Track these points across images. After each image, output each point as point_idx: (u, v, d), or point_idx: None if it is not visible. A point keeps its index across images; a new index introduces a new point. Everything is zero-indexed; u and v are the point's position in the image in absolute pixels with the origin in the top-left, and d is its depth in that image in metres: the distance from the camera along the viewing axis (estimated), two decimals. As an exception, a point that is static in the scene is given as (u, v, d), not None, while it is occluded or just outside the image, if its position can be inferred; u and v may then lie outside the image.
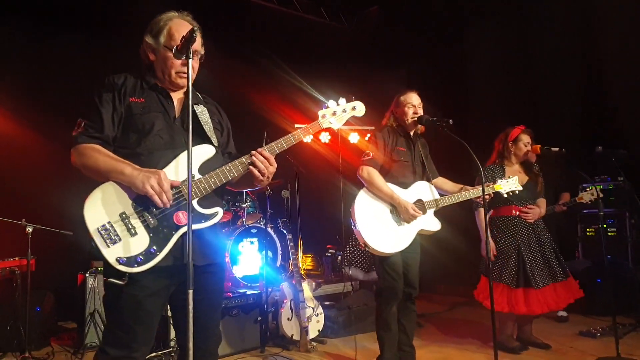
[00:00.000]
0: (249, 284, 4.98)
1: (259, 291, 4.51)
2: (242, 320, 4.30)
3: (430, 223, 3.33)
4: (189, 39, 1.78)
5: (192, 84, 1.86)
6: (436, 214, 3.39)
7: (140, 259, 1.81)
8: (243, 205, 5.48)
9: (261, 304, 4.41)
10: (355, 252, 5.77)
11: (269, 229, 5.34)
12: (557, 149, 3.89)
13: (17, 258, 4.12)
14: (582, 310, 4.85)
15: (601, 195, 4.05)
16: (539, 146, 4.01)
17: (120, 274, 1.80)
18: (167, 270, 1.87)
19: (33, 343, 4.18)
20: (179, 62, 1.99)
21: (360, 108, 2.26)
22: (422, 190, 3.37)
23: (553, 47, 6.22)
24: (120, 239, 1.81)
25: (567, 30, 6.07)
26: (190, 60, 1.81)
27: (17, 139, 5.26)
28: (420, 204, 3.29)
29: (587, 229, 5.76)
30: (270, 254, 5.21)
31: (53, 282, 4.83)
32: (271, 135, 4.54)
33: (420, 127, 3.49)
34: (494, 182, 3.44)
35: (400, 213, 3.22)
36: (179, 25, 2.02)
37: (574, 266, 5.34)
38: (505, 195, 3.44)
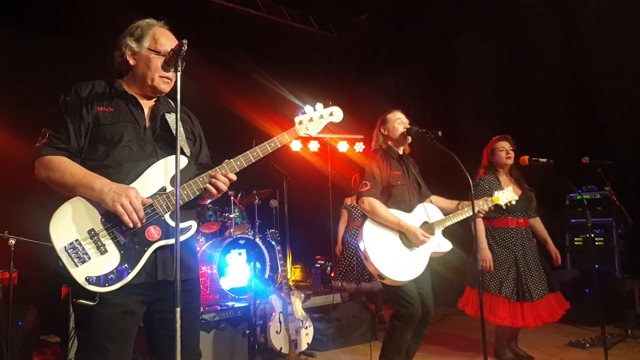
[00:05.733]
0: (236, 296, 4.91)
1: (247, 304, 4.44)
2: (230, 334, 4.22)
3: (440, 244, 3.27)
4: (178, 52, 1.73)
5: (170, 92, 1.82)
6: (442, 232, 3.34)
7: (111, 277, 1.75)
8: (231, 216, 5.38)
9: (249, 316, 4.34)
10: (343, 264, 5.70)
11: (257, 240, 5.29)
12: (545, 159, 3.89)
13: (-1, 271, 4.03)
14: (571, 320, 4.85)
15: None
16: (527, 157, 3.99)
17: (90, 295, 1.73)
18: (139, 287, 1.82)
19: (15, 359, 4.08)
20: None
21: (337, 113, 2.18)
22: (426, 211, 3.32)
23: (541, 58, 6.29)
24: (89, 258, 1.74)
25: (556, 41, 6.13)
26: (179, 74, 1.76)
27: (-1, 148, 5.16)
28: (428, 227, 3.24)
29: (575, 239, 5.81)
30: (258, 265, 5.15)
31: (36, 296, 4.72)
32: (259, 144, 4.50)
33: (407, 147, 3.47)
34: (491, 195, 3.42)
35: (410, 239, 3.15)
36: (162, 32, 2.01)
37: (562, 276, 5.37)
38: (504, 207, 3.42)
